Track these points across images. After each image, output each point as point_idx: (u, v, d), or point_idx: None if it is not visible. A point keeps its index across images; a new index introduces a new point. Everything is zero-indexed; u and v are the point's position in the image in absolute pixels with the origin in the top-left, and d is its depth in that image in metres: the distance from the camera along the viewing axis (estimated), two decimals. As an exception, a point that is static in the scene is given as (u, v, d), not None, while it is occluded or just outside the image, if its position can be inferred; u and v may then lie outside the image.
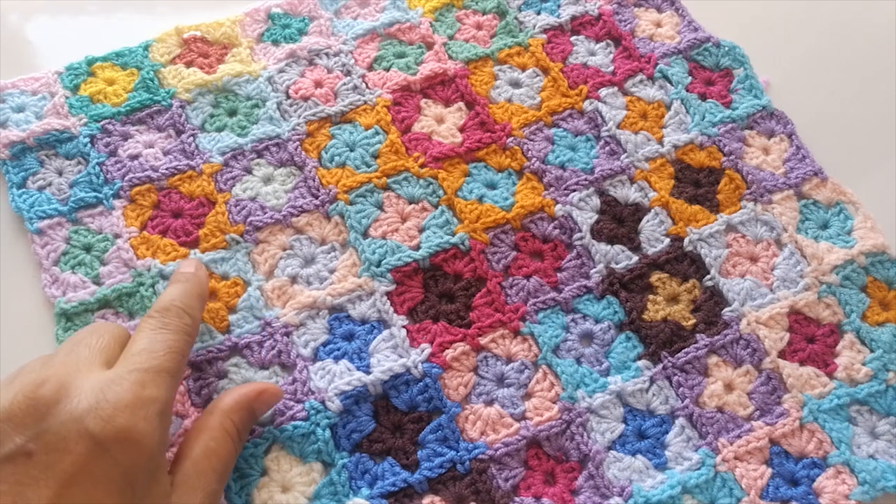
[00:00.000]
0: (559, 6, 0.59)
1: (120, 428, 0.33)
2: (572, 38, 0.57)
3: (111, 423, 0.33)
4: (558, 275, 0.49)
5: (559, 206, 0.50)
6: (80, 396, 0.34)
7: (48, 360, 0.37)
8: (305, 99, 0.53)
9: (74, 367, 0.36)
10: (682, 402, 0.45)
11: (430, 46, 0.56)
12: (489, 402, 0.45)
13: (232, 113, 0.53)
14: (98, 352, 0.37)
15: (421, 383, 0.44)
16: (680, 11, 0.59)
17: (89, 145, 0.50)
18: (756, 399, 0.46)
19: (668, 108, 0.55)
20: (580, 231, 0.50)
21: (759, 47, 0.57)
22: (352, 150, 0.52)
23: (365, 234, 0.49)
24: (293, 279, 0.48)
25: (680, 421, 0.45)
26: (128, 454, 0.33)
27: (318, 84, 0.54)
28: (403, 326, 0.46)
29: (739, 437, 0.44)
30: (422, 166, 0.51)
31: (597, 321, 0.47)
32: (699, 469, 0.43)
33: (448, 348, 0.45)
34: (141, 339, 0.38)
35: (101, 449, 0.33)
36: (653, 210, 0.51)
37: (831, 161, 0.53)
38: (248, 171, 0.51)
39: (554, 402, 0.44)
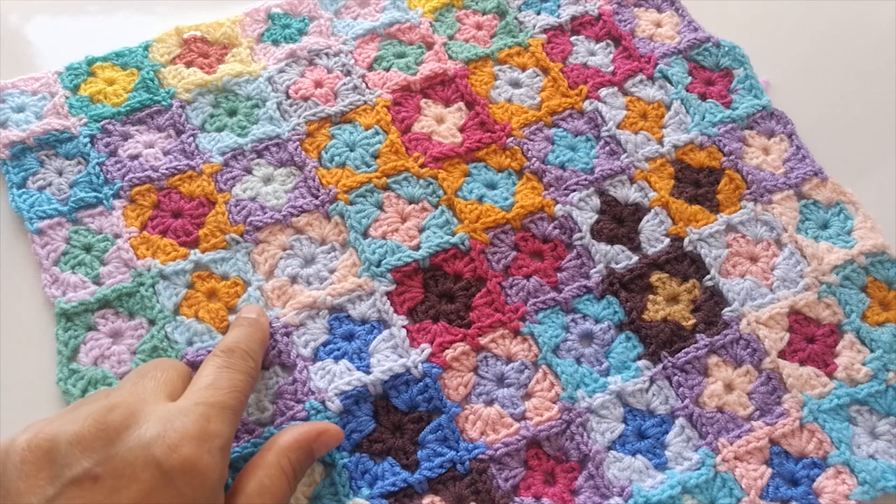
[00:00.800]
0: (559, 6, 0.59)
1: (185, 458, 0.33)
2: (572, 38, 0.57)
3: (177, 452, 0.33)
4: (558, 275, 0.48)
5: (559, 206, 0.50)
6: (148, 423, 0.34)
7: (114, 390, 0.37)
8: (305, 99, 0.53)
9: (142, 396, 0.36)
10: (682, 402, 0.45)
11: (430, 46, 0.56)
12: (489, 402, 0.45)
13: (232, 113, 0.53)
14: (163, 384, 0.37)
15: (421, 383, 0.44)
16: (680, 11, 0.59)
17: (89, 145, 0.50)
18: (756, 399, 0.46)
19: (668, 108, 0.55)
20: (580, 231, 0.50)
21: (759, 47, 0.57)
22: (352, 150, 0.52)
23: (365, 234, 0.49)
24: (293, 279, 0.48)
25: (680, 421, 0.45)
26: (191, 486, 0.33)
27: (318, 84, 0.54)
28: (403, 326, 0.46)
29: (739, 437, 0.44)
30: (422, 166, 0.51)
31: (597, 321, 0.47)
32: (699, 469, 0.43)
33: (448, 348, 0.45)
34: (207, 374, 0.38)
35: (166, 478, 0.33)
36: (653, 210, 0.51)
37: (831, 161, 0.53)
38: (248, 171, 0.51)
39: (554, 402, 0.44)
